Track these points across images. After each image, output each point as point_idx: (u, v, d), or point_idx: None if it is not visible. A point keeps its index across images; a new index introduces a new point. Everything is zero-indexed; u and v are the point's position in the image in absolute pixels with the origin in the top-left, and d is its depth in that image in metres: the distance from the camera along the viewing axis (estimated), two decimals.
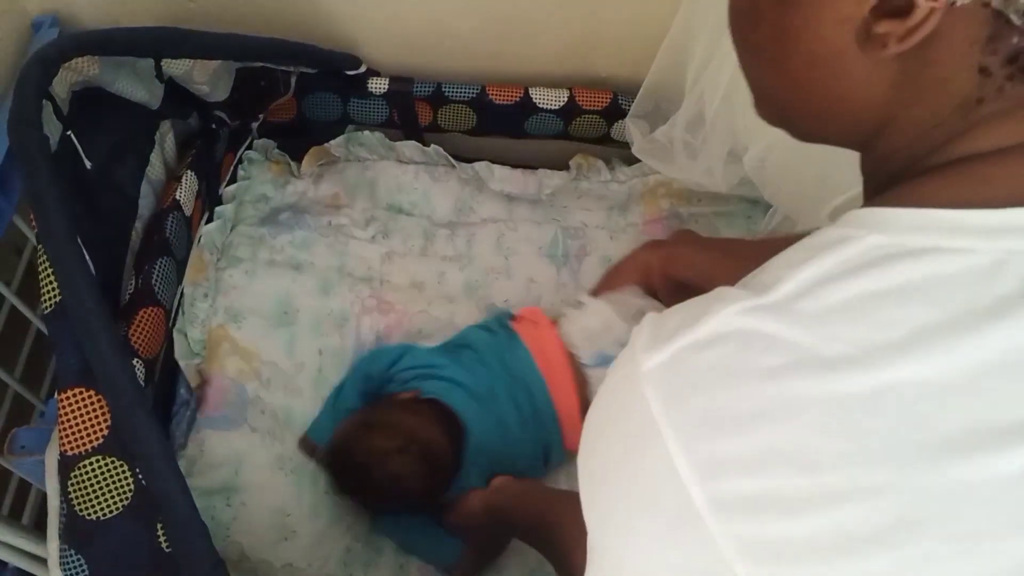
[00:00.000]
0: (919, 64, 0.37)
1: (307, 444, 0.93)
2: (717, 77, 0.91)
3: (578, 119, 1.12)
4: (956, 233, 0.35)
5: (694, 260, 0.84)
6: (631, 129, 1.09)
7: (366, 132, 1.14)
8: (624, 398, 0.38)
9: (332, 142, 1.14)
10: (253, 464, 0.92)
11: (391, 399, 0.92)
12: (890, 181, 0.40)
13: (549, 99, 1.10)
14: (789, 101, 0.44)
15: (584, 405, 0.92)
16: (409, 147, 1.15)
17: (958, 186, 0.37)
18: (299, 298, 1.03)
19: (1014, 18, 0.33)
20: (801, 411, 0.33)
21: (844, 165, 0.48)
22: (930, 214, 0.36)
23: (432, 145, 1.15)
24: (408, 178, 1.16)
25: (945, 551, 0.32)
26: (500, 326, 0.98)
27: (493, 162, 1.17)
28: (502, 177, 1.15)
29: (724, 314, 0.36)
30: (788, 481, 0.33)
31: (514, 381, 0.92)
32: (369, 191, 1.15)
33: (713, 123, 0.96)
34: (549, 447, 0.93)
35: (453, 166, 1.16)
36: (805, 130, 0.46)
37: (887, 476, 0.32)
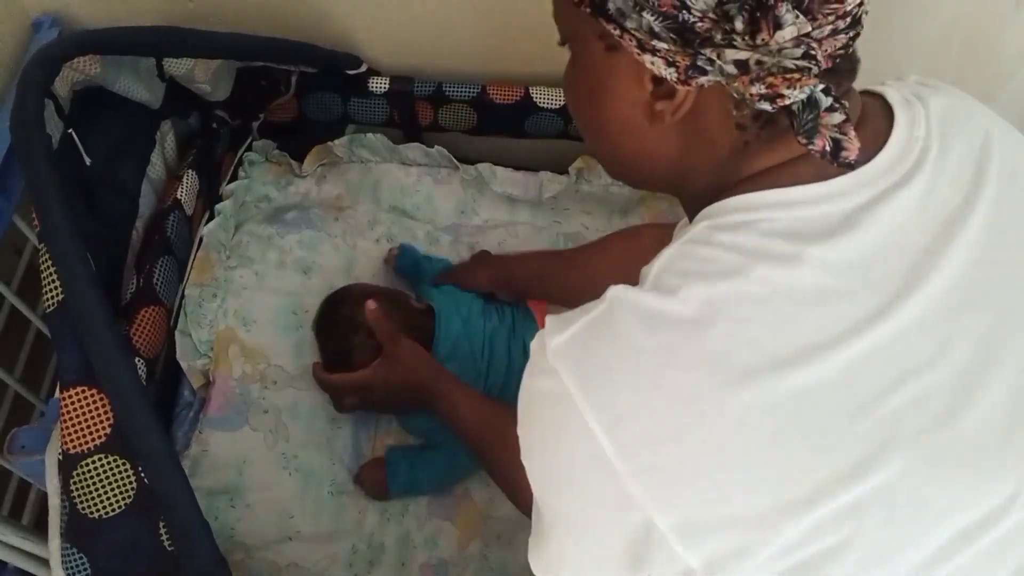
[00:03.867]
0: (694, 128, 0.51)
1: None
2: None
3: None
4: (757, 208, 0.49)
5: (521, 263, 1.04)
6: None
7: (369, 135, 1.14)
8: (539, 377, 0.49)
9: (335, 142, 1.14)
10: (257, 464, 0.92)
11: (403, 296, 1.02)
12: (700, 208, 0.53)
13: (550, 98, 1.10)
14: (609, 158, 0.59)
15: None
16: (413, 149, 1.15)
17: (752, 186, 0.50)
18: (308, 300, 1.03)
19: (735, 95, 0.47)
20: (669, 357, 0.45)
21: None
22: (736, 199, 0.50)
23: (436, 146, 1.15)
24: (411, 180, 1.16)
25: (810, 443, 0.43)
26: (511, 307, 1.04)
27: (494, 163, 1.17)
28: (504, 179, 1.16)
29: (611, 295, 0.47)
30: (673, 419, 0.44)
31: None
32: (372, 193, 1.15)
33: None
34: None
35: (456, 167, 1.16)
36: (627, 180, 0.62)
37: (747, 394, 0.43)
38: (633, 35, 0.47)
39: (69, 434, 0.69)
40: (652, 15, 0.45)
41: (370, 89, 1.09)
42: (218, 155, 1.09)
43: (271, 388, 0.96)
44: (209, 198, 1.05)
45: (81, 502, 0.68)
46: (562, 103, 1.10)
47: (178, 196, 0.95)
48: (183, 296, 0.96)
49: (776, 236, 0.47)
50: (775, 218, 0.48)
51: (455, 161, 1.16)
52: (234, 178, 1.10)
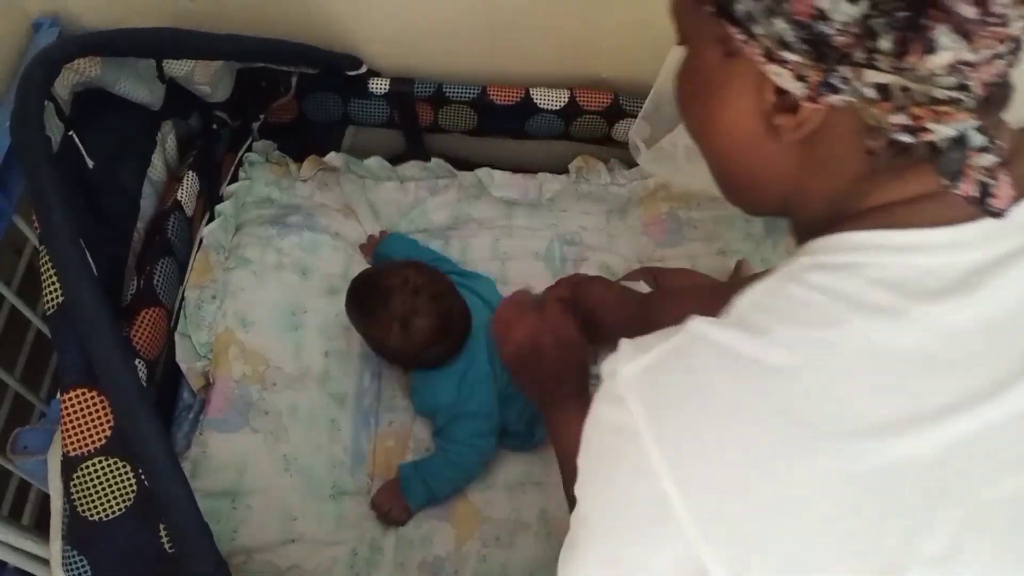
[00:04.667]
0: (816, 148, 0.46)
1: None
2: None
3: (579, 120, 1.12)
4: (866, 250, 0.44)
5: (603, 294, 0.95)
6: (634, 139, 1.09)
7: (367, 161, 1.15)
8: (607, 405, 0.46)
9: (329, 156, 1.14)
10: (258, 466, 0.92)
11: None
12: (812, 238, 0.48)
13: (550, 99, 1.10)
14: (720, 172, 0.54)
15: None
16: (410, 167, 1.16)
17: (866, 222, 0.45)
18: (306, 301, 1.03)
19: (870, 121, 0.42)
20: (747, 404, 0.40)
21: None
22: (844, 236, 0.45)
23: (433, 159, 1.15)
24: (408, 200, 1.17)
25: (891, 525, 0.39)
26: None
27: (494, 164, 1.17)
28: (502, 183, 1.16)
29: (692, 327, 0.43)
30: (745, 471, 0.40)
31: None
32: (370, 210, 1.16)
33: None
34: None
35: (454, 175, 1.16)
36: (734, 199, 0.56)
37: (827, 459, 0.39)
38: (760, 42, 0.42)
39: (69, 437, 0.69)
40: (785, 23, 0.41)
41: (370, 90, 1.09)
42: (218, 156, 1.09)
43: (271, 390, 0.96)
44: (209, 199, 1.05)
45: (81, 504, 0.68)
46: (563, 104, 1.10)
47: (178, 197, 0.95)
48: (183, 298, 0.96)
49: (882, 286, 0.42)
50: (885, 264, 0.42)
51: (453, 170, 1.16)
52: (234, 179, 1.10)
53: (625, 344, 0.46)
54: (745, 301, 0.44)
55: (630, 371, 0.44)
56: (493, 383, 0.97)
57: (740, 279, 0.90)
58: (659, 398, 0.43)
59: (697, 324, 0.44)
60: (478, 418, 0.95)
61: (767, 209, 0.55)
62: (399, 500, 0.93)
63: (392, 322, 0.93)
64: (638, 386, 0.43)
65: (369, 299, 0.96)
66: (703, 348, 0.43)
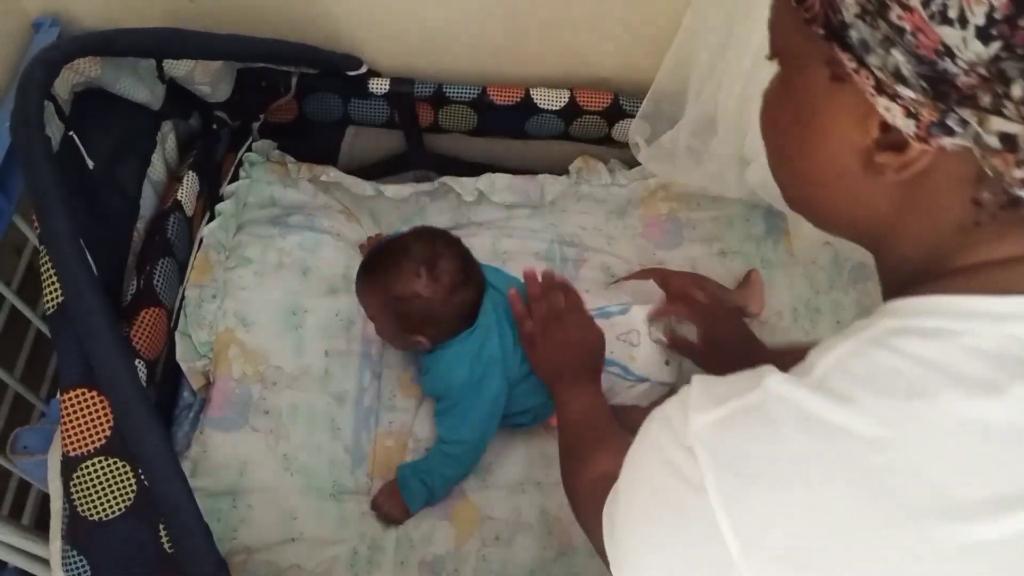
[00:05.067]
0: (917, 191, 0.42)
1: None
2: (731, 85, 0.91)
3: (579, 120, 1.12)
4: (961, 317, 0.40)
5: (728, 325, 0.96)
6: (635, 139, 1.09)
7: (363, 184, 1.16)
8: (671, 448, 0.44)
9: (329, 176, 1.14)
10: (258, 466, 0.92)
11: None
12: (900, 289, 0.45)
13: (550, 100, 1.10)
14: (804, 198, 0.51)
15: None
16: (409, 188, 1.17)
17: (960, 284, 0.42)
18: (307, 301, 1.03)
19: (989, 171, 0.38)
20: (826, 474, 0.38)
21: None
22: (936, 299, 0.41)
23: (438, 181, 1.16)
24: (409, 207, 1.17)
25: None
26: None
27: (494, 164, 1.17)
28: (504, 187, 1.16)
29: (770, 386, 0.41)
30: (817, 542, 0.38)
31: None
32: (370, 216, 1.17)
33: (727, 131, 0.96)
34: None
35: (458, 193, 1.16)
36: (818, 223, 0.52)
37: (908, 538, 0.36)
38: (873, 72, 0.39)
39: (69, 437, 0.69)
40: (904, 55, 0.37)
41: (370, 90, 1.09)
42: (218, 156, 1.09)
43: (271, 389, 0.96)
44: (209, 199, 1.05)
45: (81, 504, 0.68)
46: (563, 104, 1.10)
47: (178, 197, 0.95)
48: (183, 297, 0.96)
49: (978, 357, 0.39)
50: (982, 333, 0.39)
51: (456, 188, 1.16)
52: (235, 179, 1.10)
53: (698, 388, 0.44)
54: (826, 363, 0.41)
55: (702, 422, 0.42)
56: (503, 369, 0.96)
57: (796, 350, 0.90)
58: (731, 457, 0.41)
59: (775, 383, 0.41)
60: (482, 403, 0.95)
61: (844, 236, 0.51)
62: (398, 502, 0.93)
63: (419, 268, 0.93)
64: (709, 440, 0.42)
65: (389, 255, 0.95)
66: (782, 410, 0.40)
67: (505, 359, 0.97)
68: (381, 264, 0.96)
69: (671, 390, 1.01)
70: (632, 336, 0.96)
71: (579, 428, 0.78)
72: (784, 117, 0.48)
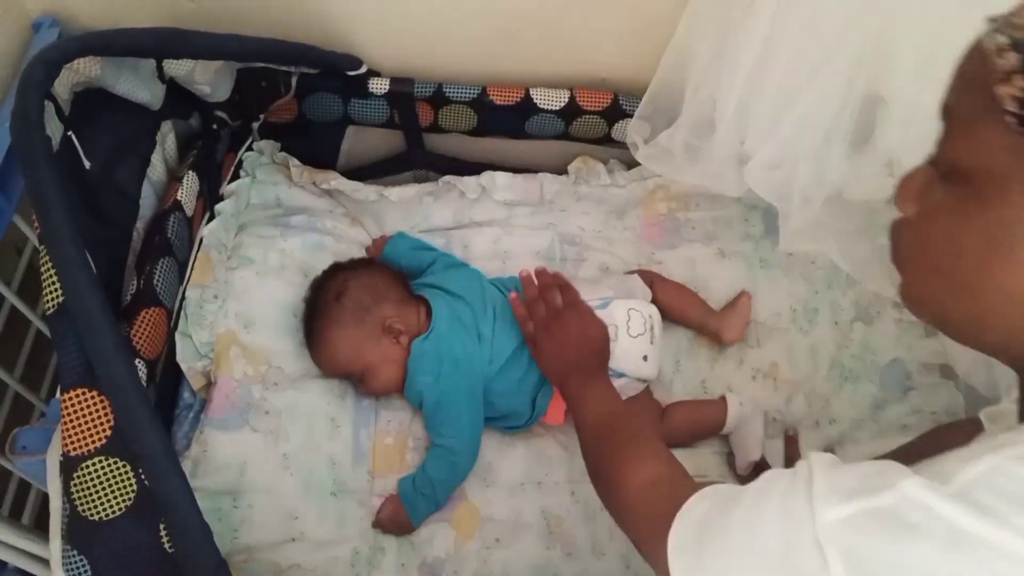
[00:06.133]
0: None
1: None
2: (729, 84, 0.91)
3: (579, 120, 1.12)
4: None
5: None
6: (633, 137, 1.09)
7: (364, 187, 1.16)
8: (792, 535, 0.43)
9: (331, 184, 1.14)
10: (258, 465, 0.92)
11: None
12: None
13: (550, 99, 1.10)
14: (963, 321, 0.48)
15: None
16: (411, 189, 1.17)
17: None
18: None
19: None
20: None
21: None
22: None
23: (441, 180, 1.17)
24: (412, 208, 1.17)
25: None
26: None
27: (494, 164, 1.17)
28: (504, 185, 1.16)
29: (907, 490, 0.40)
30: None
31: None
32: (374, 218, 1.17)
33: (725, 129, 0.96)
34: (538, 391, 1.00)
35: (461, 191, 1.16)
36: (959, 337, 0.50)
37: None
38: None
39: (69, 436, 0.69)
40: None
41: (370, 90, 1.09)
42: (218, 156, 1.09)
43: (272, 389, 0.96)
44: (209, 199, 1.05)
45: (81, 504, 0.68)
46: (563, 104, 1.10)
47: (178, 197, 0.95)
48: (183, 297, 0.96)
49: None
50: None
51: (459, 186, 1.16)
52: (235, 179, 1.10)
53: (822, 475, 0.44)
54: (967, 477, 0.40)
55: (831, 518, 0.41)
56: (468, 368, 0.98)
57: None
58: (867, 561, 0.40)
59: (914, 489, 0.40)
60: (455, 402, 0.96)
61: (993, 355, 0.49)
62: (402, 519, 0.93)
63: (330, 282, 1.01)
64: (840, 540, 0.41)
65: (320, 298, 1.00)
66: (925, 518, 0.39)
67: (470, 359, 0.98)
68: (325, 308, 0.99)
69: (647, 387, 1.03)
70: (610, 331, 0.96)
71: (602, 430, 0.77)
72: (972, 240, 0.44)
